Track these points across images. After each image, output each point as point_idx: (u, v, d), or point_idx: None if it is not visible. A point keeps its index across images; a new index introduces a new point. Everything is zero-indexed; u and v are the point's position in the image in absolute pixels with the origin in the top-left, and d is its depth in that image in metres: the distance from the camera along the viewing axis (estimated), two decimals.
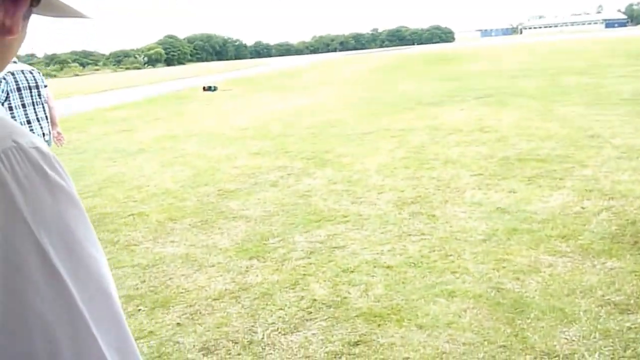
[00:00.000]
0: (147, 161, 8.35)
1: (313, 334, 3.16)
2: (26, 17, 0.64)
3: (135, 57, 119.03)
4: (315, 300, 3.55)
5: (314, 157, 7.65)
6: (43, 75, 5.26)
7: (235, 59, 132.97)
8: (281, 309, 3.46)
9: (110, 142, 10.67)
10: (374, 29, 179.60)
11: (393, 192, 5.77)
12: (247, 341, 3.09)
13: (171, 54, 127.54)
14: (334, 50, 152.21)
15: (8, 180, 0.55)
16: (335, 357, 2.93)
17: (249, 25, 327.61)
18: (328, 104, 14.55)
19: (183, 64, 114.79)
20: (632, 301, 3.21)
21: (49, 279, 0.55)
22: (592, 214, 4.63)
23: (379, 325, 3.23)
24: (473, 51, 35.88)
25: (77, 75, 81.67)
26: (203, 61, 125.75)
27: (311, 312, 3.41)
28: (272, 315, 3.39)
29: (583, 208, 4.79)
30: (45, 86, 5.07)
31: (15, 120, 3.74)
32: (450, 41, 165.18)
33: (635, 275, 3.51)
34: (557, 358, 2.78)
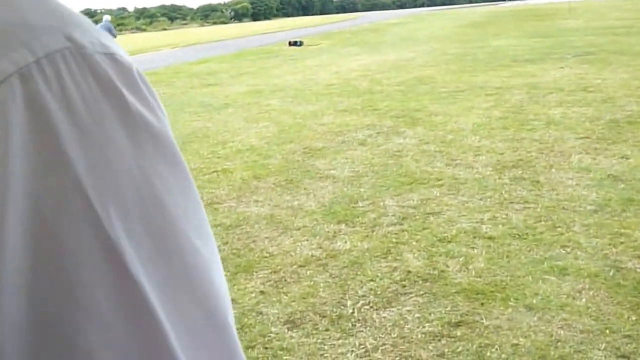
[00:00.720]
0: (231, 116, 8.26)
1: (408, 310, 2.85)
2: None
3: (222, 12, 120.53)
4: (409, 272, 3.23)
5: (404, 116, 7.19)
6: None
7: (321, 13, 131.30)
8: (372, 280, 3.17)
9: (196, 95, 10.71)
10: None
11: (491, 154, 5.26)
12: (336, 315, 2.83)
13: (257, 8, 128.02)
14: (422, 5, 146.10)
15: (52, 108, 0.31)
16: (434, 339, 2.61)
17: None
18: (417, 60, 13.81)
19: (269, 18, 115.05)
20: None
21: (118, 289, 0.31)
22: None
23: (482, 304, 2.87)
24: (569, 7, 32.95)
25: (165, 29, 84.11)
26: (289, 16, 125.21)
27: (405, 286, 3.10)
28: (362, 287, 3.11)
29: None
30: None
31: None
32: None
33: None
34: None
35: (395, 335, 2.66)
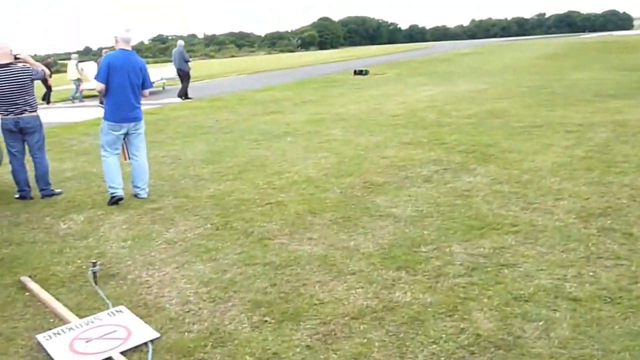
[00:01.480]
0: (291, 145, 8.03)
1: None
2: None
3: (289, 40, 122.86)
4: (479, 335, 2.77)
5: (475, 151, 6.68)
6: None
7: (389, 42, 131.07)
8: (435, 342, 2.73)
9: (257, 123, 10.61)
10: (540, 13, 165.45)
11: (574, 199, 4.69)
12: None
13: (324, 37, 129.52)
14: (494, 36, 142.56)
15: None
16: None
17: (404, 8, 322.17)
18: (489, 92, 13.22)
19: (336, 47, 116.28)
20: None
21: None
22: None
23: None
24: None
25: (233, 56, 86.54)
26: (356, 45, 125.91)
27: (474, 353, 2.64)
28: (423, 350, 2.68)
29: None
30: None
31: None
32: (628, 28, 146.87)
33: None
34: None
35: None
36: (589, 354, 2.58)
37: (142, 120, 5.61)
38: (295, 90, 18.06)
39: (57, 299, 3.36)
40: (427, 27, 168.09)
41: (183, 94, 16.91)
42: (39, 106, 5.98)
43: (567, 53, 30.95)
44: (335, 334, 2.86)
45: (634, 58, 21.63)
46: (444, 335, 2.78)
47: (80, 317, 3.13)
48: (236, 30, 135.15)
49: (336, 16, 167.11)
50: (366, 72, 23.23)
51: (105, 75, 5.29)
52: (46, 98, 18.76)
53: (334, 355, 2.68)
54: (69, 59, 20.25)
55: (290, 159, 7.05)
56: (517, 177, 5.41)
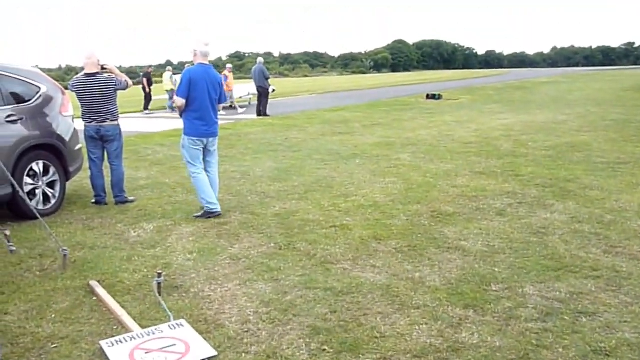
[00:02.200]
0: (358, 167, 7.95)
1: None
2: None
3: (362, 62, 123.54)
4: None
5: (552, 186, 6.33)
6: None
7: (463, 68, 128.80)
8: None
9: (326, 143, 10.64)
10: (628, 42, 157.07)
11: None
12: None
13: (398, 59, 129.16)
14: (576, 64, 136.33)
15: None
16: None
17: (481, 33, 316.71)
18: (569, 124, 12.61)
19: (408, 70, 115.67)
20: None
21: None
22: None
23: None
24: None
25: (306, 75, 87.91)
26: (429, 69, 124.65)
27: None
28: None
29: None
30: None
31: None
32: None
33: None
34: None
35: None
36: None
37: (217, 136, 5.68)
38: (365, 112, 18.04)
39: (122, 307, 3.42)
40: (505, 53, 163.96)
41: (261, 111, 17.29)
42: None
43: None
44: None
45: None
46: None
47: (143, 326, 3.17)
48: (311, 51, 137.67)
49: (411, 39, 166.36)
50: (439, 97, 22.89)
51: (187, 90, 5.30)
52: (146, 105, 20.28)
53: None
54: (165, 70, 21.65)
55: (357, 181, 6.97)
56: (599, 217, 5.05)
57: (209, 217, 5.38)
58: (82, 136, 6.21)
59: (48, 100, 5.98)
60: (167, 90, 20.74)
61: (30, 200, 5.35)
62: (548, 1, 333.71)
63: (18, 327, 3.25)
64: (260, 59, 18.44)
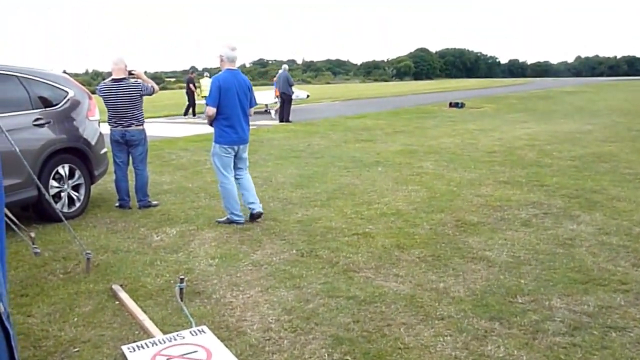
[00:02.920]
0: (381, 175, 7.90)
1: None
2: None
3: (384, 69, 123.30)
4: None
5: (578, 196, 6.20)
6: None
7: (486, 76, 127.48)
8: None
9: (348, 150, 10.61)
10: None
11: None
12: None
13: (420, 67, 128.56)
14: (601, 74, 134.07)
15: None
16: None
17: (504, 42, 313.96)
18: (595, 134, 12.38)
19: (431, 78, 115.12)
20: None
21: None
22: None
23: None
24: None
25: (329, 83, 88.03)
26: (452, 77, 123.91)
27: None
28: None
29: None
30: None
31: None
32: None
33: None
34: None
35: None
36: None
37: None
38: (387, 119, 17.97)
39: (144, 311, 3.43)
40: (528, 62, 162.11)
41: (285, 117, 17.40)
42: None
43: None
44: None
45: None
46: None
47: (164, 332, 3.17)
48: (333, 58, 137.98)
49: (433, 47, 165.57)
50: (462, 105, 22.71)
51: (217, 98, 5.20)
52: (189, 111, 20.68)
53: None
54: (203, 76, 22.11)
55: (380, 189, 6.92)
56: (627, 229, 4.92)
57: (231, 224, 5.37)
58: (107, 140, 6.30)
59: (75, 104, 6.06)
60: (204, 97, 21.15)
61: (56, 203, 5.42)
62: (572, 10, 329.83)
63: (41, 330, 3.28)
64: (285, 66, 18.58)
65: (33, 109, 5.56)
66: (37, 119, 5.54)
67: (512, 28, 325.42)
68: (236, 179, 5.51)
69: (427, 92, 43.12)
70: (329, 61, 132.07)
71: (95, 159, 6.23)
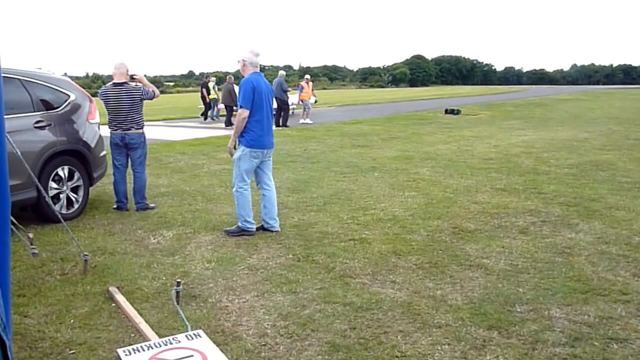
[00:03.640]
0: (377, 180, 7.89)
1: None
2: None
3: (381, 76, 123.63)
4: None
5: (576, 205, 6.20)
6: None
7: (482, 84, 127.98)
8: None
9: (345, 155, 10.59)
10: None
11: None
12: None
13: (416, 74, 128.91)
14: (597, 82, 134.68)
15: None
16: None
17: (500, 49, 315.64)
18: (592, 142, 12.42)
19: (426, 85, 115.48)
20: None
21: None
22: None
23: None
24: None
25: (325, 88, 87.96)
26: (448, 84, 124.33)
27: None
28: None
29: None
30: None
31: None
32: None
33: None
34: None
35: None
36: None
37: None
38: (384, 125, 17.98)
39: (140, 314, 3.39)
40: (524, 70, 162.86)
41: (282, 123, 17.50)
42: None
43: None
44: None
45: None
46: None
47: (160, 335, 3.13)
48: (330, 64, 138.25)
49: (429, 54, 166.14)
50: (458, 112, 22.76)
51: (252, 100, 4.99)
52: (205, 114, 20.85)
53: None
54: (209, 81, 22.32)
55: (376, 195, 6.90)
56: (626, 239, 4.92)
57: (241, 235, 5.16)
58: (107, 143, 6.31)
59: (76, 108, 6.10)
60: (212, 99, 21.25)
61: (55, 204, 5.44)
62: (568, 18, 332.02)
63: (37, 331, 3.25)
64: (281, 72, 18.73)
65: (35, 112, 5.59)
66: (38, 121, 5.57)
67: (508, 36, 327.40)
68: (265, 189, 5.28)
69: (423, 98, 43.20)
70: (325, 67, 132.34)
71: (95, 161, 6.25)
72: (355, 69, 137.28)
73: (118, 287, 3.84)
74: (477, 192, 6.96)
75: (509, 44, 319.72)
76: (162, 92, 27.91)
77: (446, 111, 23.19)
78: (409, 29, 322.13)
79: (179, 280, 3.67)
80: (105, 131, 6.23)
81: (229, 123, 17.36)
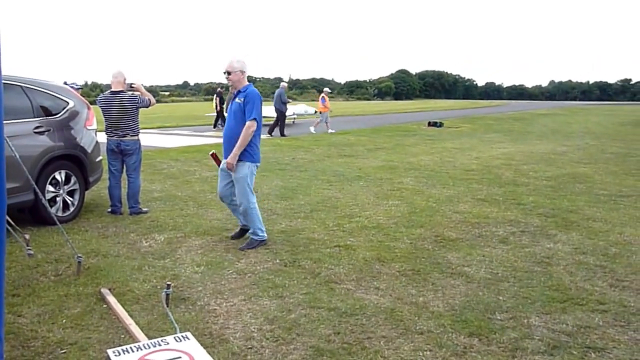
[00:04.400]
0: (362, 189, 8.00)
1: None
2: None
3: (367, 89, 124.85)
4: None
5: (555, 216, 6.38)
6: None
7: (464, 98, 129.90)
8: None
9: (331, 164, 10.71)
10: (625, 79, 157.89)
11: None
12: None
13: (401, 88, 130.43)
14: (574, 98, 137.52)
15: None
16: None
17: (481, 65, 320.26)
18: (569, 155, 12.72)
19: (411, 99, 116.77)
20: None
21: None
22: None
23: None
24: None
25: (313, 100, 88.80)
26: (431, 98, 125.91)
27: None
28: None
29: None
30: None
31: None
32: None
33: None
34: None
35: None
36: None
37: None
38: (369, 136, 18.16)
39: (131, 316, 3.43)
40: (504, 85, 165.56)
41: (280, 132, 17.75)
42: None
43: None
44: None
45: None
46: None
47: (149, 337, 3.18)
48: (318, 77, 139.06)
49: (413, 69, 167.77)
50: (440, 124, 23.08)
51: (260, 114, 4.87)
52: (215, 123, 21.28)
53: None
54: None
55: (361, 203, 7.01)
56: (603, 249, 5.08)
57: (260, 245, 5.02)
58: (103, 148, 6.43)
59: (74, 114, 6.23)
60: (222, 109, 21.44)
61: (51, 207, 5.60)
62: (547, 36, 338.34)
63: (30, 330, 3.28)
64: (283, 84, 19.41)
65: (34, 117, 5.72)
66: (37, 127, 5.70)
67: (489, 52, 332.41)
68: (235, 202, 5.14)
69: (407, 111, 43.65)
70: (314, 79, 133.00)
71: (91, 166, 6.37)
72: (342, 82, 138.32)
73: (110, 289, 3.88)
74: (459, 202, 7.11)
75: (490, 60, 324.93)
76: (157, 101, 27.97)
77: (429, 124, 23.50)
78: (394, 44, 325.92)
79: (169, 283, 3.72)
80: (103, 137, 6.34)
81: None
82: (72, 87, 7.92)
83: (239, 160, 4.85)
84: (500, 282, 4.23)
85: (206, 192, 7.66)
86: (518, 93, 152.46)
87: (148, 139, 14.54)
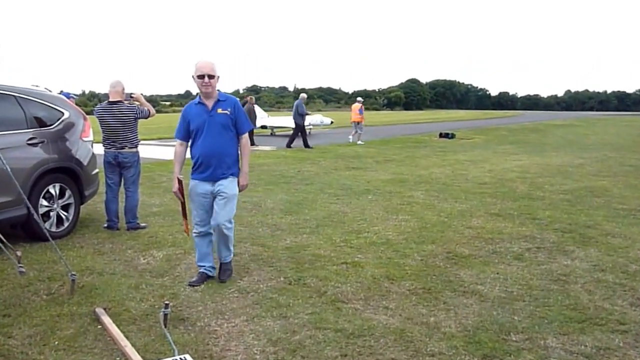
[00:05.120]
0: (371, 203, 7.84)
1: None
2: None
3: (376, 99, 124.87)
4: None
5: (572, 231, 6.16)
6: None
7: (476, 108, 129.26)
8: None
9: (339, 177, 10.56)
10: None
11: None
12: None
13: (410, 98, 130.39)
14: (590, 109, 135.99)
15: None
16: None
17: (495, 74, 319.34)
18: (587, 168, 12.46)
19: (421, 109, 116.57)
20: None
21: None
22: None
23: None
24: None
25: (320, 110, 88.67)
26: (442, 108, 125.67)
27: None
28: None
29: None
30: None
31: None
32: None
33: None
34: None
35: None
36: None
37: None
38: (378, 147, 18.01)
39: (127, 337, 3.29)
40: (518, 95, 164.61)
41: (303, 144, 17.57)
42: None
43: None
44: None
45: None
46: None
47: (146, 359, 3.04)
48: (325, 86, 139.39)
49: (424, 78, 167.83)
50: (452, 136, 22.87)
51: None
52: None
53: None
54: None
55: (370, 218, 6.84)
56: (623, 267, 4.86)
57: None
58: (100, 161, 6.27)
59: (70, 125, 6.08)
60: None
61: (45, 221, 5.41)
62: (563, 44, 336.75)
63: (20, 352, 3.15)
64: (302, 95, 19.28)
65: (28, 128, 5.57)
66: (31, 138, 5.55)
67: (502, 61, 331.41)
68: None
69: (418, 122, 43.47)
70: (320, 89, 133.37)
71: (86, 179, 6.21)
72: (350, 91, 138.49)
73: (105, 309, 3.75)
74: (472, 217, 6.91)
75: (503, 69, 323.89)
76: (158, 111, 27.92)
77: (441, 135, 23.31)
78: (404, 53, 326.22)
79: (167, 302, 3.57)
80: (100, 149, 6.20)
81: (251, 143, 17.38)
82: (66, 96, 7.83)
83: (231, 175, 4.40)
84: (515, 301, 4.04)
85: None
86: (533, 103, 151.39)
87: (147, 151, 14.40)
